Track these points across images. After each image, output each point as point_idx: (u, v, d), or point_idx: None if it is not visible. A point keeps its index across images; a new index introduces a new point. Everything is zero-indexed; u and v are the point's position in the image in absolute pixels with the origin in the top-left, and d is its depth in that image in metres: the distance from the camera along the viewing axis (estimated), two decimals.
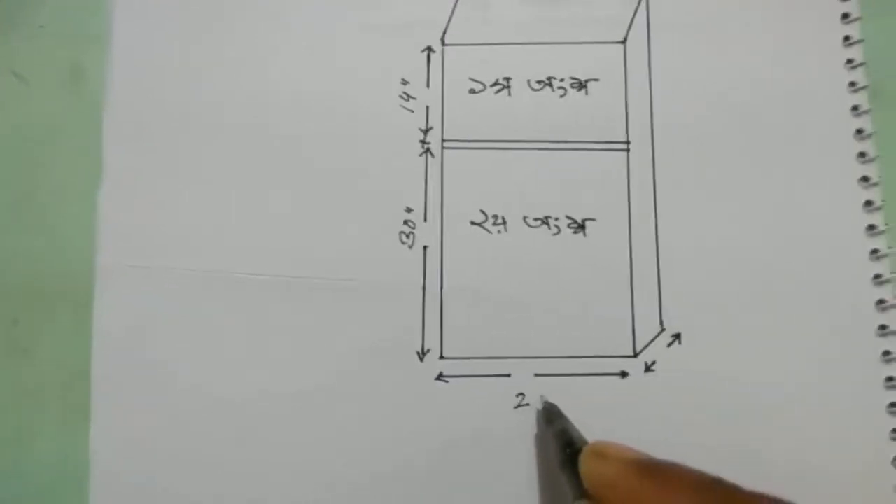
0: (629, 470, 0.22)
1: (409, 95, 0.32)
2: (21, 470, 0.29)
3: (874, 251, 0.30)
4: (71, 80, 0.32)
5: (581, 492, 0.24)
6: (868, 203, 0.30)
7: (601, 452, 0.24)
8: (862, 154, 0.31)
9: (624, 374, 0.30)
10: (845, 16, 0.32)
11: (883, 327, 0.29)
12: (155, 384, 0.30)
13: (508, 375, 0.30)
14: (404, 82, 0.32)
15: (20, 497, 0.29)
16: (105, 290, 0.30)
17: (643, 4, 0.32)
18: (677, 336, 0.30)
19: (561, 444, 0.26)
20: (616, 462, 0.23)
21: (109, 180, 0.31)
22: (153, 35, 0.32)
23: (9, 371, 0.30)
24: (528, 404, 0.29)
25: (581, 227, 0.31)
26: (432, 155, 0.31)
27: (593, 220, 0.31)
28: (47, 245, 0.31)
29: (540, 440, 0.29)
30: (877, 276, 0.30)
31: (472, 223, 0.31)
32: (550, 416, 0.28)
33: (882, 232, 0.30)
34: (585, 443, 0.26)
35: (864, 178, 0.31)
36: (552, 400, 0.29)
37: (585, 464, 0.24)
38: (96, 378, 0.30)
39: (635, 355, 0.30)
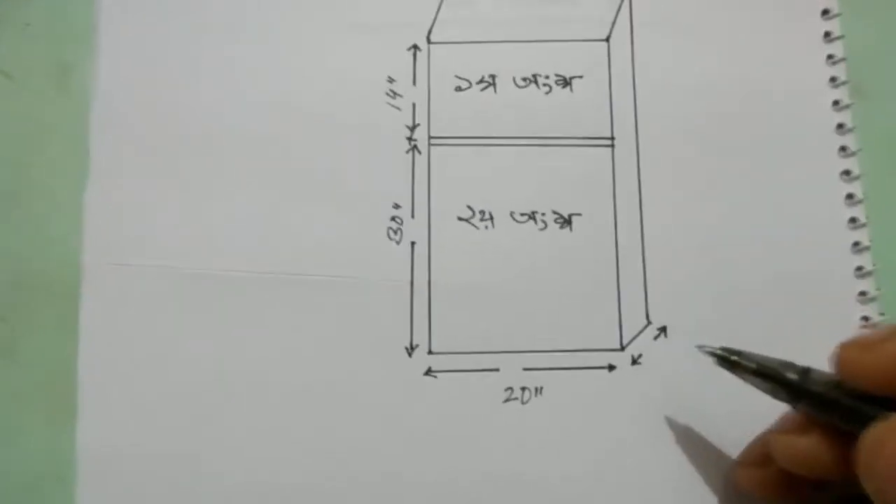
0: None
1: (395, 93, 0.32)
2: (6, 468, 0.29)
3: (856, 244, 0.30)
4: (58, 78, 0.32)
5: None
6: (850, 196, 0.31)
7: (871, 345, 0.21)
8: (843, 148, 0.31)
9: (611, 368, 0.30)
10: (825, 12, 0.32)
11: (865, 318, 0.30)
12: (141, 383, 0.29)
13: (497, 370, 0.30)
14: (391, 80, 0.32)
15: (5, 495, 0.29)
16: (91, 289, 0.30)
17: (626, 3, 0.33)
18: (663, 329, 0.30)
19: (779, 382, 0.23)
20: None
21: (96, 179, 0.31)
22: (140, 34, 0.32)
23: None
24: (516, 398, 0.29)
25: (567, 221, 0.31)
26: (419, 152, 0.32)
27: (579, 214, 0.31)
28: (34, 243, 0.31)
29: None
30: (858, 269, 0.30)
31: (460, 219, 0.31)
32: (734, 361, 0.25)
33: (863, 225, 0.31)
34: (773, 366, 0.23)
35: (846, 172, 0.31)
36: (543, 391, 0.29)
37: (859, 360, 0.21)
38: (83, 376, 0.30)
39: (622, 348, 0.30)
